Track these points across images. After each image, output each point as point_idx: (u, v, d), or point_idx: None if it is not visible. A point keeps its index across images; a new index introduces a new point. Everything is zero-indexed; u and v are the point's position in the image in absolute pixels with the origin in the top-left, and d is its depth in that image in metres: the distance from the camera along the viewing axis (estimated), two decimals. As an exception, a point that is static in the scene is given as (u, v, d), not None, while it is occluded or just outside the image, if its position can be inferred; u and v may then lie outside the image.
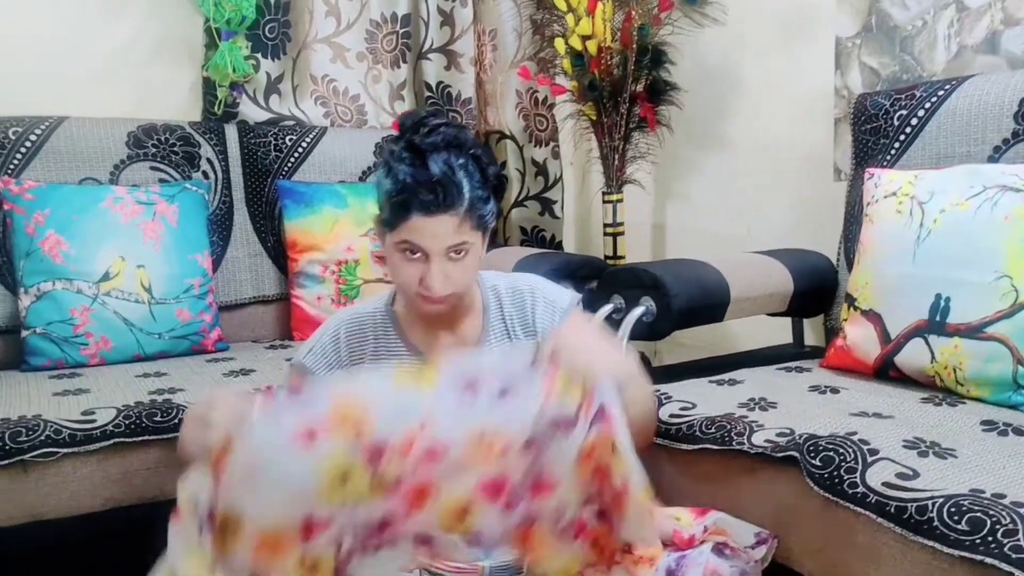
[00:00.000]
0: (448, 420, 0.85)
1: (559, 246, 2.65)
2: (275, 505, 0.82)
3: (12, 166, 1.81)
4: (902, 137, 1.62)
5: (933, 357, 1.31)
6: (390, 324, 1.13)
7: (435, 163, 0.96)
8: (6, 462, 1.25)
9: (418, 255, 1.00)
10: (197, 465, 0.84)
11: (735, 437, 1.19)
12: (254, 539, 0.81)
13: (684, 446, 1.25)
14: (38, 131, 1.84)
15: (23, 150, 1.82)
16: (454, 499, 0.85)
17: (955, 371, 1.28)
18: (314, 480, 0.82)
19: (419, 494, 0.85)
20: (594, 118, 2.30)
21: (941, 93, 1.57)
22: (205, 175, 2.03)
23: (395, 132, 2.26)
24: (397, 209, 0.97)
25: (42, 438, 1.27)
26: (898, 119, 1.62)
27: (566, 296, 1.16)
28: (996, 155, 1.46)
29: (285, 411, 0.84)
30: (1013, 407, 1.22)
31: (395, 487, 0.84)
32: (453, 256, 1.00)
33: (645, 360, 2.19)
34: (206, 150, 2.04)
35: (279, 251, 2.10)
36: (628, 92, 2.22)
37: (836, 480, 1.02)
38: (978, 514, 0.87)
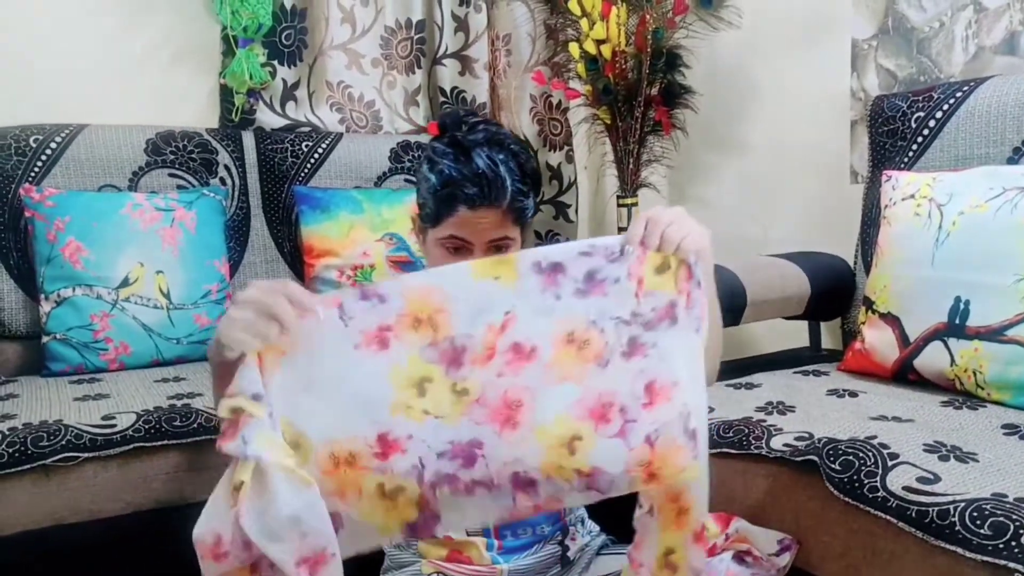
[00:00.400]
0: (532, 320, 0.77)
1: (574, 250, 2.64)
2: (346, 420, 0.74)
3: (33, 174, 1.83)
4: (920, 139, 1.61)
5: (953, 360, 1.30)
6: None
7: (479, 158, 0.96)
8: (28, 466, 1.26)
9: (461, 251, 1.00)
10: (239, 369, 0.73)
11: (753, 441, 1.19)
12: (324, 458, 0.73)
13: (702, 450, 1.24)
14: (58, 139, 1.87)
15: (44, 158, 1.84)
16: (555, 422, 0.76)
17: (975, 374, 1.27)
18: (388, 388, 0.74)
19: (510, 406, 0.76)
20: (608, 122, 2.30)
21: (959, 95, 1.56)
22: (223, 181, 2.04)
23: (410, 138, 2.29)
24: (442, 203, 0.98)
25: (63, 443, 1.29)
26: (915, 121, 1.62)
27: None
28: (1016, 157, 1.45)
29: (354, 313, 0.75)
30: (1035, 410, 1.22)
31: (481, 400, 0.76)
32: (494, 251, 1.00)
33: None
34: (223, 157, 2.05)
35: (295, 256, 2.12)
36: (643, 96, 2.22)
37: (856, 484, 1.02)
38: (1001, 518, 0.87)
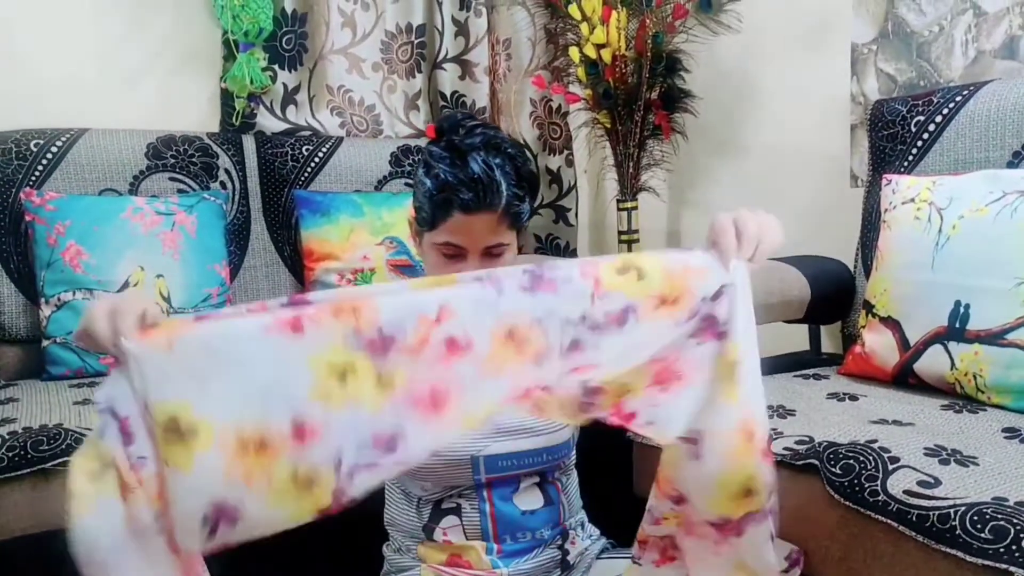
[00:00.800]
0: (471, 314, 0.72)
1: (574, 254, 2.65)
2: (258, 404, 0.67)
3: (34, 178, 1.83)
4: (919, 143, 1.61)
5: (953, 364, 1.30)
6: None
7: (475, 162, 0.96)
8: (28, 471, 1.26)
9: (456, 255, 1.00)
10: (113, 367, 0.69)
11: (754, 445, 1.19)
12: (229, 443, 0.67)
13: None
14: (59, 143, 1.87)
15: (44, 162, 1.85)
16: (483, 410, 0.74)
17: (975, 378, 1.27)
18: (308, 374, 0.68)
19: (436, 396, 0.72)
20: (608, 126, 2.31)
21: (959, 99, 1.56)
22: (223, 185, 2.04)
23: (410, 142, 2.29)
24: (438, 208, 0.98)
25: (63, 447, 1.28)
26: (915, 125, 1.62)
27: None
28: (1016, 161, 1.45)
29: (274, 309, 0.70)
30: (1035, 414, 1.21)
31: (406, 390, 0.71)
32: (489, 256, 1.01)
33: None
34: (224, 160, 2.06)
35: (296, 260, 2.12)
36: (643, 100, 2.22)
37: (857, 488, 1.01)
38: (1001, 522, 0.86)
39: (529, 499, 1.05)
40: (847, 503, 1.02)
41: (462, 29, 2.45)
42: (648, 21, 2.16)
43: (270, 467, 0.68)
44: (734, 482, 0.80)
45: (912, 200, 1.44)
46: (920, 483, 0.98)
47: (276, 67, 2.24)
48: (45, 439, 1.28)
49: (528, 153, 2.59)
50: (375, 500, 1.14)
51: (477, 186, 0.96)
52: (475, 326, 0.72)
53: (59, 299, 1.72)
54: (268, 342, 0.68)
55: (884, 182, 1.55)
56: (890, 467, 1.02)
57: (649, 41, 2.16)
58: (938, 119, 1.58)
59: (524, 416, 1.02)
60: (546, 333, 0.74)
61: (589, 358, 0.77)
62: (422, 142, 2.34)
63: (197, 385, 0.67)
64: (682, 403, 0.80)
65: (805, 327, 1.88)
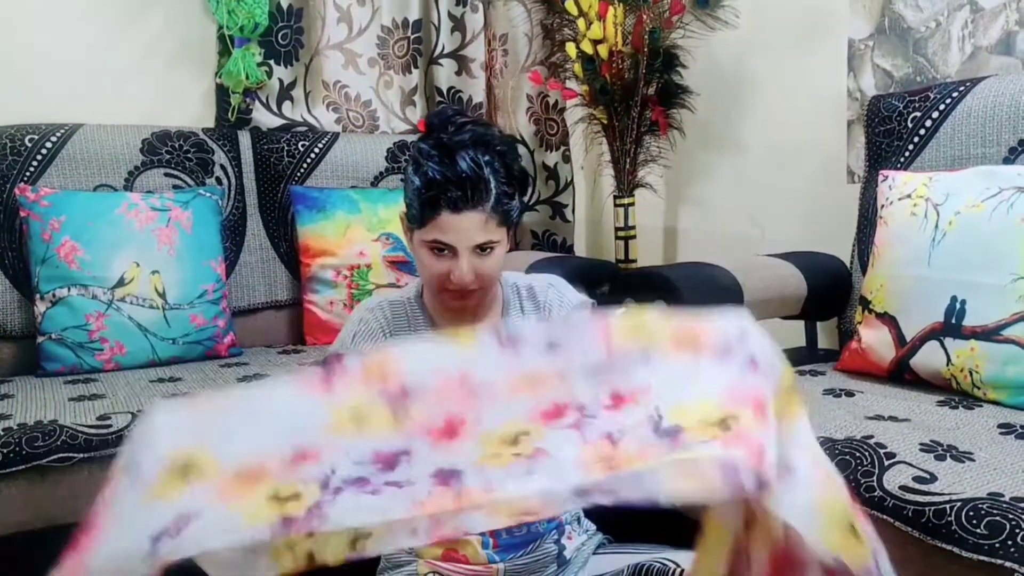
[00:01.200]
0: (490, 368, 0.71)
1: (570, 250, 2.65)
2: (264, 437, 0.67)
3: (28, 173, 1.82)
4: (916, 139, 1.61)
5: (949, 360, 1.30)
6: (420, 313, 1.13)
7: (463, 160, 0.96)
8: (23, 467, 1.26)
9: (446, 251, 1.00)
10: None
11: (750, 441, 1.19)
12: (229, 476, 0.65)
13: (698, 450, 1.24)
14: (54, 139, 1.86)
15: (39, 157, 1.84)
16: (504, 426, 0.69)
17: (971, 374, 1.27)
18: (320, 416, 0.68)
19: (451, 422, 0.69)
20: (605, 122, 2.30)
21: (955, 95, 1.56)
22: (219, 181, 2.04)
23: (407, 138, 2.29)
24: (426, 206, 0.98)
25: (58, 443, 1.28)
26: (912, 121, 1.62)
27: (580, 295, 1.17)
28: (1012, 157, 1.45)
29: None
30: (1031, 410, 1.22)
31: (420, 420, 0.69)
32: (479, 252, 1.00)
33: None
34: (220, 156, 2.05)
35: (292, 256, 2.11)
36: (639, 96, 2.22)
37: (853, 484, 1.01)
38: (997, 518, 0.87)
39: (524, 494, 1.05)
40: (843, 499, 1.02)
41: (458, 24, 2.44)
42: (645, 17, 2.16)
43: (252, 497, 0.65)
44: (837, 510, 0.72)
45: (908, 196, 1.44)
46: (916, 479, 0.98)
47: (272, 62, 2.23)
48: (40, 435, 1.28)
49: (521, 149, 2.59)
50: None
51: (465, 184, 0.95)
52: (493, 378, 0.71)
53: (54, 295, 1.71)
54: (295, 394, 0.69)
55: (880, 178, 1.55)
56: (886, 463, 1.02)
57: (646, 37, 2.16)
58: (935, 115, 1.58)
59: None
60: (564, 378, 0.70)
61: (631, 379, 0.70)
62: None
63: (220, 438, 0.67)
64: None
65: (801, 323, 1.89)
